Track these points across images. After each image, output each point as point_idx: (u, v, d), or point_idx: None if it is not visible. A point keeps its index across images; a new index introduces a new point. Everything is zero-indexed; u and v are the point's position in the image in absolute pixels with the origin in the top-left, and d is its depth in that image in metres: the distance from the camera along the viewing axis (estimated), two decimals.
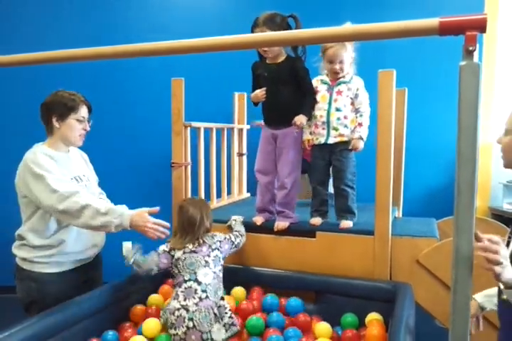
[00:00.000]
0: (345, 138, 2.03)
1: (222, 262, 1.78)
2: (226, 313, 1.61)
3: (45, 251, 1.74)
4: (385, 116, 1.85)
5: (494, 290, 1.33)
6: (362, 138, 2.00)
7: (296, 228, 2.07)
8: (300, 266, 1.99)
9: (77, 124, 1.82)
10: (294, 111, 1.98)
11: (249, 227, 2.10)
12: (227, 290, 1.97)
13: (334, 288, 1.86)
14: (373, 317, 1.70)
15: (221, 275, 1.75)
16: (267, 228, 2.09)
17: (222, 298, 1.68)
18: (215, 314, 1.58)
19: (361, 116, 2.02)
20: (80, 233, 1.80)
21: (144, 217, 1.67)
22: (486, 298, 1.39)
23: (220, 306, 1.62)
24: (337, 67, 1.98)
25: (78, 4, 3.46)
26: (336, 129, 2.02)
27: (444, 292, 1.83)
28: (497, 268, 0.94)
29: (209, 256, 1.73)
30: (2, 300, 2.78)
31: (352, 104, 2.04)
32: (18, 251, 1.79)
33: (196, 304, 1.58)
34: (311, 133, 2.09)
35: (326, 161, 2.08)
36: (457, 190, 0.81)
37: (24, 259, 1.77)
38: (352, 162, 2.06)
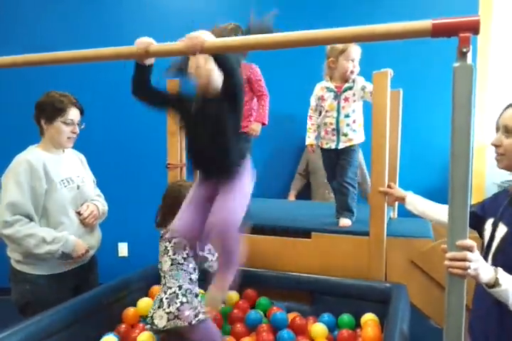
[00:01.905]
0: (353, 142, 2.07)
1: (190, 251, 1.65)
2: (175, 303, 1.53)
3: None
4: (379, 116, 1.85)
5: (425, 206, 1.71)
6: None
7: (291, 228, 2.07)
8: (295, 266, 1.98)
9: (64, 127, 1.80)
10: None
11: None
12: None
13: (329, 288, 1.86)
14: (369, 317, 1.70)
15: (189, 264, 1.63)
16: (262, 229, 2.08)
17: (180, 287, 1.57)
18: (161, 300, 1.54)
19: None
20: (74, 236, 1.80)
21: (82, 245, 1.81)
22: (411, 204, 1.76)
23: (172, 293, 1.55)
24: (356, 65, 2.00)
25: (74, 5, 3.45)
26: (345, 135, 2.05)
27: (438, 292, 1.83)
28: (471, 272, 0.93)
29: (169, 242, 1.65)
30: None
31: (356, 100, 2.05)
32: (13, 253, 1.77)
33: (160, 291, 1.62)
34: (321, 138, 2.12)
35: (334, 162, 2.13)
36: (451, 190, 0.82)
37: (19, 261, 1.76)
38: (355, 162, 2.09)
